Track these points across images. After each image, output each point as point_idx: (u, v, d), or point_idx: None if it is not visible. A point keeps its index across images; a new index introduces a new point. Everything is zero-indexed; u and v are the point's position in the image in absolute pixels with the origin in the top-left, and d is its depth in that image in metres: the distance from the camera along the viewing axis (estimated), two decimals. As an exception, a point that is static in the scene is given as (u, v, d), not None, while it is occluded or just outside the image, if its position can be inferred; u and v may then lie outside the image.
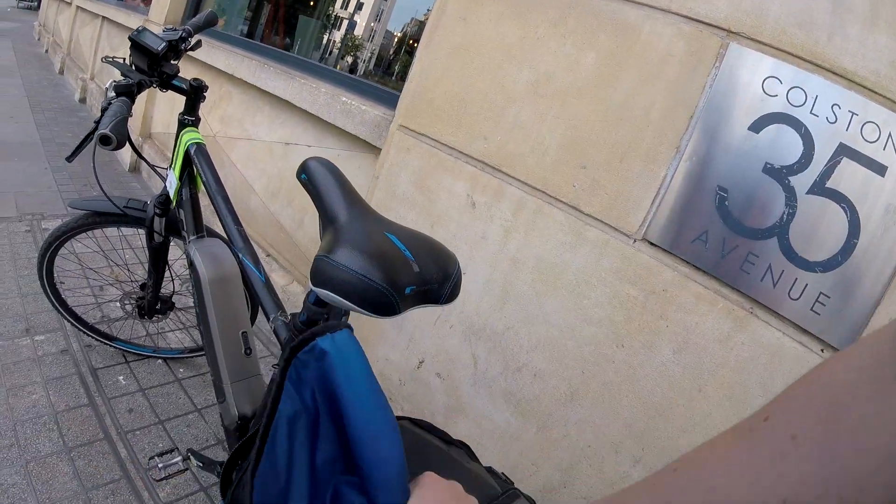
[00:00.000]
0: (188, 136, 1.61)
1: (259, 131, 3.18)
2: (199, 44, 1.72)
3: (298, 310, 1.14)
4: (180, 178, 1.63)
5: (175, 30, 1.61)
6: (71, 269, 2.56)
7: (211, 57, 3.49)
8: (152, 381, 2.29)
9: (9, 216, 3.32)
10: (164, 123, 4.37)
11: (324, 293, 0.89)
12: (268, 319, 1.25)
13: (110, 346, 2.38)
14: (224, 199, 1.47)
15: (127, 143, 1.35)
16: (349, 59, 4.08)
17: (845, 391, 0.31)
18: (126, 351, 2.39)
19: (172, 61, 1.63)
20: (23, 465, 1.79)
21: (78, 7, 7.29)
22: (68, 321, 2.29)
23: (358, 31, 4.03)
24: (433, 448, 0.93)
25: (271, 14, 4.60)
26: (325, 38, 4.18)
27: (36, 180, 3.94)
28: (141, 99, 4.35)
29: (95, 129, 1.32)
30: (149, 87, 1.54)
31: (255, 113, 3.22)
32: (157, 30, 1.59)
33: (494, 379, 1.70)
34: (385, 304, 0.88)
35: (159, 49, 1.52)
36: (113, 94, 1.42)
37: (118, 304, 2.32)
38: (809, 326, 1.17)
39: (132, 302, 2.23)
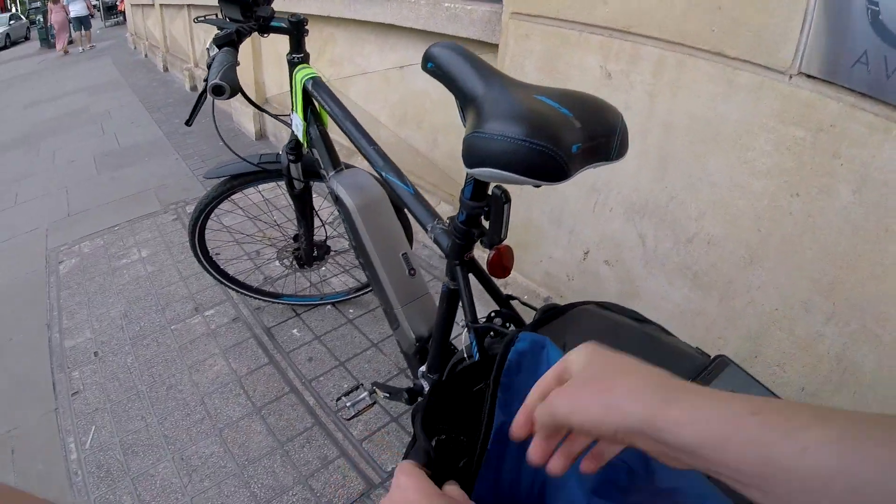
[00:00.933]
0: (302, 73, 1.68)
1: (370, 63, 3.28)
2: None
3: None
4: (305, 118, 1.71)
5: None
6: (225, 239, 2.84)
7: (302, 5, 3.56)
8: (325, 326, 2.52)
9: (154, 211, 3.76)
10: (278, 85, 4.61)
11: (483, 172, 0.87)
12: (426, 230, 1.30)
13: (278, 303, 2.62)
14: (353, 123, 1.54)
15: (241, 97, 1.43)
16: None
17: None
18: (294, 304, 2.63)
19: (266, 4, 1.69)
20: (217, 433, 2.05)
21: (161, 5, 7.76)
22: (233, 289, 2.53)
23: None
24: (626, 328, 0.89)
25: None
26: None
27: (171, 172, 4.41)
28: (249, 67, 4.62)
29: (206, 86, 1.40)
30: (248, 34, 1.60)
31: (362, 46, 3.31)
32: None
33: (666, 255, 1.75)
34: (554, 166, 0.83)
35: None
36: (214, 48, 1.50)
37: (276, 261, 2.52)
38: None
39: (289, 256, 2.40)
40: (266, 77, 4.67)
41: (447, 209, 2.87)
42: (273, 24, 1.70)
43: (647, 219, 1.78)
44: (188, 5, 6.39)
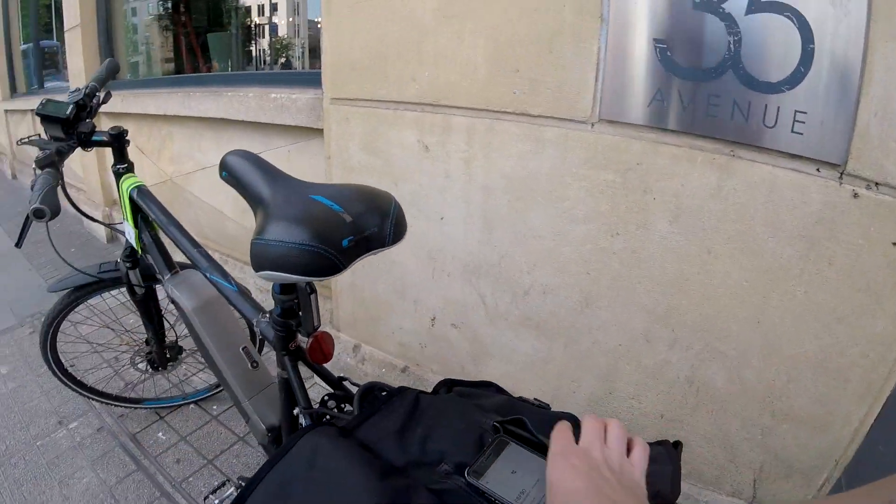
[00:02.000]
0: (127, 183, 1.58)
1: (209, 158, 3.07)
2: (108, 95, 1.64)
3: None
4: (136, 225, 1.59)
5: (79, 90, 1.54)
6: (81, 349, 2.52)
7: (141, 105, 3.38)
8: (190, 426, 2.27)
9: (10, 325, 3.29)
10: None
11: (266, 274, 0.86)
12: (252, 326, 1.22)
13: (141, 408, 2.35)
14: (176, 226, 1.46)
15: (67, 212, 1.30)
16: (283, 60, 3.93)
17: None
18: (157, 408, 2.37)
19: (87, 119, 1.56)
20: None
21: (6, 111, 7.11)
22: (94, 399, 2.26)
23: (282, 32, 3.89)
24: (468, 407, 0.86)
25: (186, 44, 4.44)
26: (253, 49, 4.03)
27: (25, 284, 3.89)
28: (94, 170, 4.28)
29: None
30: (69, 151, 1.48)
31: (199, 141, 3.10)
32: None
33: (507, 310, 1.62)
34: (326, 264, 0.84)
35: (67, 113, 1.46)
36: (38, 171, 1.37)
37: (130, 366, 2.27)
38: (797, 149, 1.05)
39: (142, 359, 2.19)
40: (112, 179, 4.27)
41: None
42: (94, 138, 1.56)
43: (483, 279, 1.64)
44: (31, 110, 5.78)
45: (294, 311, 1.09)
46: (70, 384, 2.14)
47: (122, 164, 1.63)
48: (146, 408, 2.35)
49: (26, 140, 1.56)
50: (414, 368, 1.99)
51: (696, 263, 1.21)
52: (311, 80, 2.29)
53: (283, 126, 2.32)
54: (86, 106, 1.55)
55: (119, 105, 3.52)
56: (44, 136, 1.55)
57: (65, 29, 4.22)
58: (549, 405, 0.86)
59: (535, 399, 0.88)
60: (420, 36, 1.54)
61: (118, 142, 1.61)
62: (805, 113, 1.02)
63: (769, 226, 1.10)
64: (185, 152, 3.27)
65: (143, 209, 1.53)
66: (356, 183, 1.00)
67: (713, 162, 1.12)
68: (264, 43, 3.97)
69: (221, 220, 3.06)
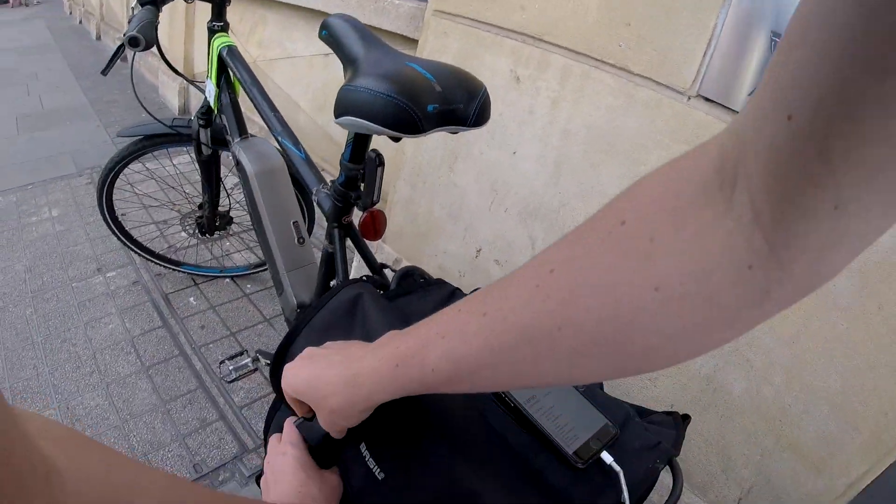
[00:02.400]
0: (219, 41, 1.61)
1: (297, 48, 3.10)
2: None
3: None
4: (217, 84, 1.63)
5: None
6: (132, 203, 2.65)
7: None
8: (221, 298, 2.39)
9: (69, 173, 3.49)
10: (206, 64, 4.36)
11: (345, 120, 0.90)
12: (311, 194, 1.27)
13: (179, 271, 2.47)
14: (259, 90, 1.48)
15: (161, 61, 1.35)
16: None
17: (686, 201, 0.33)
18: (194, 274, 2.49)
19: None
20: (104, 388, 1.91)
21: None
22: (136, 253, 2.38)
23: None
24: None
25: None
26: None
27: (90, 138, 4.10)
28: (180, 41, 4.37)
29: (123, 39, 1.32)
30: None
31: (291, 31, 3.13)
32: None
33: (553, 259, 1.64)
34: (406, 119, 0.88)
35: None
36: (138, 6, 1.40)
37: (179, 227, 2.37)
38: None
39: (192, 223, 2.29)
40: (196, 53, 4.37)
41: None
42: None
43: (539, 222, 1.66)
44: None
45: (356, 182, 1.11)
46: (117, 233, 2.24)
47: (219, 23, 1.66)
48: (184, 272, 2.47)
49: None
50: (448, 292, 2.04)
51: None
52: None
53: (378, 30, 2.31)
54: None
55: None
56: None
57: None
58: None
59: None
60: (540, -37, 1.51)
61: None
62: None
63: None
64: (275, 38, 3.31)
65: (231, 68, 1.56)
66: (453, 64, 1.01)
67: None
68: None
69: (296, 112, 3.13)
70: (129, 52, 1.43)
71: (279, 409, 0.76)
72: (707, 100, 1.22)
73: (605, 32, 1.38)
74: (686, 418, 0.73)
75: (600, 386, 0.80)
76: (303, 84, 3.09)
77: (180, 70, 4.34)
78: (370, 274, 1.18)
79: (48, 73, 5.82)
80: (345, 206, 1.15)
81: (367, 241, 1.22)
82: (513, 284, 0.42)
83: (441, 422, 0.62)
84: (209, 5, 1.62)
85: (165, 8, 1.48)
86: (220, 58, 1.59)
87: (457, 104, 0.94)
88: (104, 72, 1.54)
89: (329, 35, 1.05)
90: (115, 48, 1.45)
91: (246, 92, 1.50)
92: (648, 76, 1.31)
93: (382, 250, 2.28)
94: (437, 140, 1.90)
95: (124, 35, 1.31)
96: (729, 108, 1.19)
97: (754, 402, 1.25)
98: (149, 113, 1.81)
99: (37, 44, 7.47)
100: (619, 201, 0.37)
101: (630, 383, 1.48)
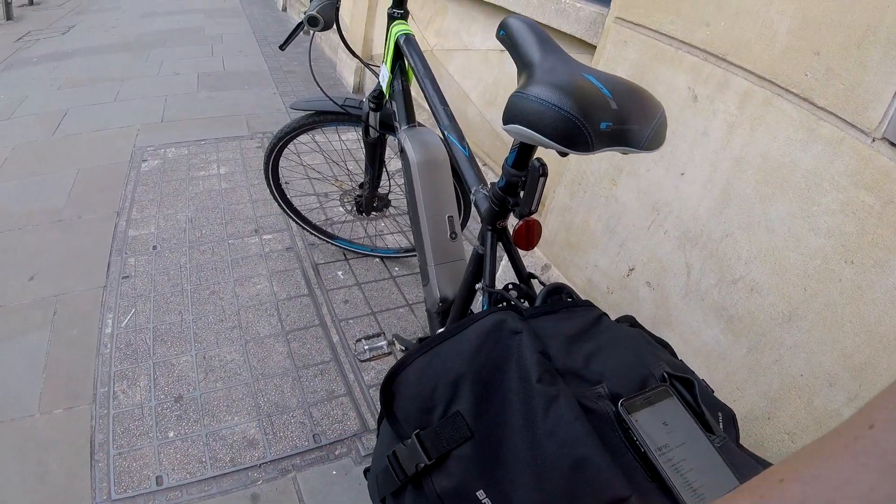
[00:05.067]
0: (397, 28, 1.74)
1: (475, 41, 3.27)
2: None
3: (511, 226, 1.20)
4: (392, 70, 1.77)
5: None
6: (297, 173, 2.92)
7: None
8: (369, 276, 2.60)
9: (241, 135, 3.89)
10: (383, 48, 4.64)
11: (513, 128, 0.93)
12: (470, 193, 1.35)
13: (332, 244, 2.70)
14: (431, 81, 1.60)
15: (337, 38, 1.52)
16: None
17: None
18: (346, 249, 2.71)
19: None
20: (242, 344, 2.16)
21: None
22: (294, 220, 2.62)
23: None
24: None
25: None
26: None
27: (266, 103, 4.53)
28: (361, 23, 4.69)
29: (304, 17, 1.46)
30: None
31: (470, 23, 3.31)
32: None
33: (707, 291, 1.68)
34: (577, 135, 0.88)
35: None
36: None
37: (339, 202, 2.61)
38: None
39: (351, 200, 2.48)
40: (375, 34, 4.69)
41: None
42: None
43: (699, 250, 1.70)
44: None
45: (516, 188, 1.15)
46: (279, 200, 2.49)
47: (400, 10, 1.79)
48: (337, 245, 2.70)
49: None
50: (593, 308, 2.11)
51: (921, 326, 1.19)
52: None
53: (557, 31, 2.44)
54: None
55: None
56: None
57: None
58: (713, 391, 0.88)
59: (703, 380, 0.87)
60: (734, -20, 1.55)
61: None
62: None
63: None
64: (453, 29, 3.50)
65: (406, 56, 1.68)
66: (631, 80, 1.03)
67: None
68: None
69: (465, 104, 3.31)
70: (308, 30, 1.58)
71: (382, 422, 0.84)
72: (893, 144, 1.22)
73: (792, 59, 1.41)
74: None
75: (737, 438, 0.82)
76: (475, 77, 3.26)
77: (358, 52, 4.72)
78: (516, 282, 1.23)
79: (232, 37, 6.55)
80: (501, 210, 1.20)
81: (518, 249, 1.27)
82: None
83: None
84: None
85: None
86: (396, 45, 1.73)
87: (631, 125, 0.95)
88: (282, 46, 1.72)
89: (507, 35, 1.09)
90: (296, 22, 1.59)
91: (418, 81, 1.64)
92: (833, 111, 1.33)
93: (532, 254, 2.39)
94: (604, 153, 1.97)
95: (305, 13, 1.48)
96: (917, 156, 1.18)
97: None
98: (322, 90, 2.01)
99: (225, 7, 8.37)
100: (872, 403, 0.35)
101: (770, 432, 1.50)
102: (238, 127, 3.99)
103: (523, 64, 1.02)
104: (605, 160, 1.98)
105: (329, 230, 2.73)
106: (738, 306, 1.59)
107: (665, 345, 0.99)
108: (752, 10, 1.49)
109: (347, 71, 5.04)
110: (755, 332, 1.54)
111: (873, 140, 1.25)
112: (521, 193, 1.13)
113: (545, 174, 1.06)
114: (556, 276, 2.29)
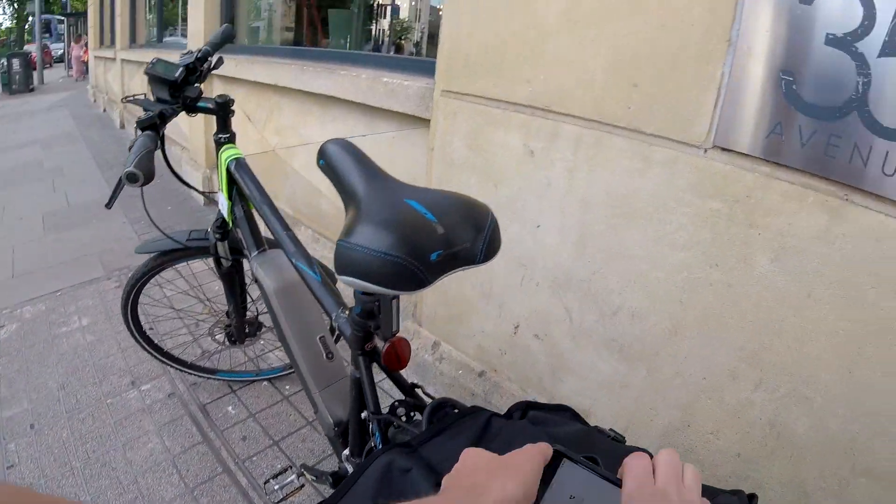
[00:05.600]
0: (226, 154, 1.64)
1: (312, 134, 3.25)
2: (220, 61, 1.72)
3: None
4: (230, 197, 1.66)
5: (191, 53, 1.62)
6: (161, 312, 2.71)
7: (254, 72, 3.60)
8: (260, 403, 2.39)
9: (97, 276, 3.57)
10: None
11: (347, 280, 0.89)
12: (331, 319, 1.27)
13: (214, 379, 2.48)
14: (269, 206, 1.50)
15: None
16: (401, 43, 4.09)
17: None
18: (230, 381, 2.49)
19: (196, 84, 1.64)
20: None
21: (122, 60, 7.67)
22: (168, 364, 2.40)
23: (403, 14, 4.08)
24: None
25: (308, 16, 4.65)
26: (373, 28, 4.21)
27: (117, 235, 4.20)
28: (200, 130, 4.53)
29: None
30: (172, 115, 1.54)
31: (305, 117, 3.29)
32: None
33: (592, 328, 1.68)
34: (409, 277, 0.85)
35: (176, 76, 1.54)
36: (138, 130, 1.45)
37: (208, 336, 2.40)
38: (916, 202, 1.08)
39: (221, 331, 2.30)
40: None
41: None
42: (200, 104, 1.64)
43: (572, 293, 1.71)
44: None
45: (374, 313, 1.10)
46: (147, 347, 2.28)
47: (225, 134, 1.69)
48: (219, 379, 2.48)
49: (131, 98, 1.66)
50: (491, 374, 2.07)
51: (794, 306, 1.23)
52: (426, 68, 2.39)
53: (390, 112, 2.44)
54: (195, 70, 1.61)
55: (233, 69, 3.75)
56: (150, 96, 1.61)
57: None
58: (624, 438, 0.85)
59: (610, 430, 0.85)
60: (541, 37, 1.62)
61: (223, 111, 1.67)
62: (931, 166, 1.04)
63: (873, 276, 1.12)
64: (290, 125, 3.47)
65: (240, 182, 1.58)
66: (454, 191, 1.00)
67: (825, 204, 1.15)
68: (384, 24, 4.13)
69: (317, 198, 3.25)
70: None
71: None
72: (725, 150, 1.29)
73: (612, 96, 1.48)
74: (753, 498, 0.71)
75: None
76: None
77: (201, 161, 4.54)
78: (402, 397, 1.18)
79: (73, 167, 6.07)
80: (365, 335, 1.15)
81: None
82: None
83: None
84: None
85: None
86: (228, 171, 1.63)
87: (462, 244, 0.91)
88: (108, 205, 1.56)
89: (327, 165, 1.06)
90: (119, 179, 1.45)
91: (256, 209, 1.54)
92: (661, 135, 1.39)
93: (419, 335, 2.32)
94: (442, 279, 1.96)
95: (124, 168, 1.31)
96: (748, 155, 1.25)
97: (821, 436, 1.26)
98: (162, 232, 1.87)
99: (61, 133, 7.82)
100: None
101: (694, 437, 1.50)
102: (93, 268, 3.65)
103: (347, 196, 1.00)
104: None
105: (207, 365, 2.51)
106: (625, 335, 1.60)
107: (564, 408, 0.95)
108: (567, 58, 1.55)
109: (195, 182, 4.75)
110: (648, 354, 1.55)
111: (705, 151, 1.31)
112: (380, 316, 1.09)
113: (397, 296, 1.04)
114: (447, 351, 2.23)
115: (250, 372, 2.53)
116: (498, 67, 1.75)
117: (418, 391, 1.22)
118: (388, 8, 4.10)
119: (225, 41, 1.76)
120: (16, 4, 30.44)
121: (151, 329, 2.37)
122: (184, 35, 4.85)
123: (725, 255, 1.33)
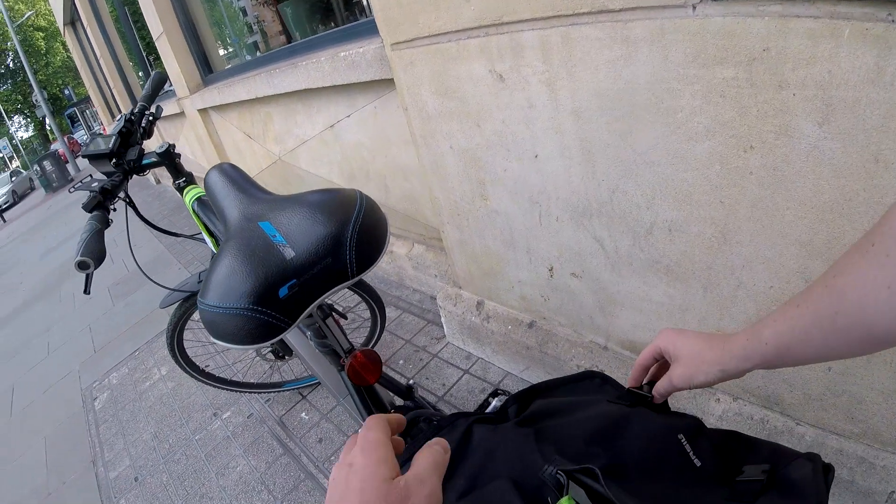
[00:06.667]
0: (188, 197, 1.55)
1: (304, 131, 3.02)
2: (160, 110, 1.62)
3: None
4: (211, 236, 1.53)
5: (122, 117, 1.53)
6: (211, 350, 2.72)
7: (236, 93, 3.40)
8: (330, 402, 2.33)
9: (165, 328, 3.54)
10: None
11: (220, 345, 0.80)
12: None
13: (283, 391, 2.44)
14: None
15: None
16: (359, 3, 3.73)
17: None
18: (297, 388, 2.43)
19: (139, 143, 1.55)
20: None
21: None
22: (238, 392, 2.38)
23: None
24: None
25: (271, 20, 4.45)
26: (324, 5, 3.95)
27: (176, 281, 4.16)
28: (213, 161, 4.37)
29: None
30: (119, 184, 1.42)
31: (294, 116, 3.05)
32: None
33: (630, 253, 1.34)
34: (264, 327, 0.72)
35: (110, 147, 1.44)
36: (88, 213, 1.35)
37: (258, 357, 2.31)
38: None
39: (267, 350, 2.22)
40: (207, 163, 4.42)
41: (419, 250, 2.54)
42: (144, 162, 1.53)
43: (596, 219, 1.36)
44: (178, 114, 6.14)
45: (325, 334, 0.99)
46: (212, 383, 2.23)
47: (181, 179, 1.60)
48: (288, 389, 2.42)
49: (73, 188, 1.52)
50: (541, 323, 1.77)
51: (860, 176, 0.85)
52: (371, 28, 2.15)
53: (360, 83, 2.16)
54: (131, 132, 1.52)
55: (218, 97, 3.60)
56: (98, 175, 1.52)
57: (154, 38, 4.40)
58: (652, 396, 0.67)
59: (645, 385, 0.69)
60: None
61: (168, 158, 1.57)
62: None
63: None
64: (284, 129, 3.26)
65: (204, 221, 1.46)
66: (319, 190, 0.83)
67: (866, 34, 0.75)
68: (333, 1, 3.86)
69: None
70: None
71: None
72: (716, 0, 0.89)
73: (564, -19, 1.08)
74: (829, 471, 0.55)
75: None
76: (325, 161, 2.98)
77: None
78: (401, 402, 1.12)
79: (123, 233, 6.11)
80: (334, 355, 1.05)
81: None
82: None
83: None
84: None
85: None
86: (195, 212, 1.51)
87: (322, 261, 0.75)
88: (86, 291, 1.41)
89: (209, 196, 0.95)
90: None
91: (219, 245, 1.38)
92: (635, 5, 1.01)
93: (461, 298, 2.04)
94: (459, 172, 1.65)
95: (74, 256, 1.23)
96: (747, -1, 0.85)
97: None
98: (155, 283, 1.77)
99: None
100: (876, 226, 0.43)
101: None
102: (160, 321, 3.64)
103: (220, 232, 0.90)
104: (465, 181, 1.65)
105: (273, 381, 2.46)
106: (668, 253, 1.24)
107: (591, 375, 0.78)
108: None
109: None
110: (700, 269, 1.20)
111: (694, 8, 0.92)
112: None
113: (328, 314, 0.98)
114: (492, 308, 1.93)
115: (313, 376, 2.41)
116: (434, -2, 1.38)
117: (414, 391, 1.17)
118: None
119: (157, 89, 1.68)
120: (25, 112, 31.68)
121: (208, 366, 2.27)
122: (171, 83, 4.67)
123: (760, 131, 0.94)
